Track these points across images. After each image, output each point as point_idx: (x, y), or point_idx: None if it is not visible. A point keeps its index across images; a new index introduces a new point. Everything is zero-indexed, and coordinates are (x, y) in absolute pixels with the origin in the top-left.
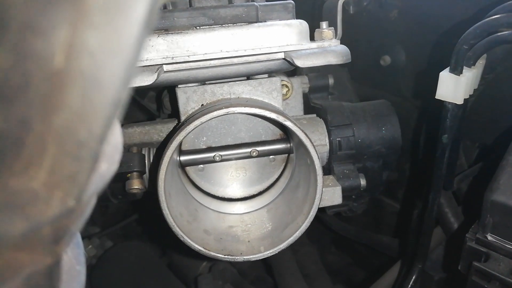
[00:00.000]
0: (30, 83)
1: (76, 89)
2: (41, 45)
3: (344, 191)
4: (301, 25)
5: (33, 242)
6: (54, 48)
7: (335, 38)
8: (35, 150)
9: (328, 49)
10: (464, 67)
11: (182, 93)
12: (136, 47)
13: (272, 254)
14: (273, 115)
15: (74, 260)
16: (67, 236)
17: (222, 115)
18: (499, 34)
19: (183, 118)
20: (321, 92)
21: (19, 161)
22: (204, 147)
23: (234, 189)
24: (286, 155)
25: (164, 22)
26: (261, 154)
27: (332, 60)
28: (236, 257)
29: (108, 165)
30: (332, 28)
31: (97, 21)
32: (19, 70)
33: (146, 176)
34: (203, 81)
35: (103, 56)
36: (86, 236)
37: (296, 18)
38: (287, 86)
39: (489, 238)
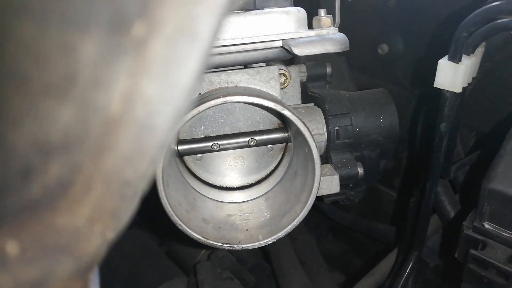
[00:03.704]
0: (88, 132)
1: (128, 134)
2: (102, 96)
3: (341, 179)
4: (299, 12)
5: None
6: (113, 97)
7: (334, 26)
8: (81, 189)
9: (326, 37)
10: (463, 55)
11: None
12: (187, 96)
13: (270, 242)
14: (271, 104)
15: None
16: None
17: (220, 104)
18: (498, 21)
19: None
20: (319, 81)
21: (65, 200)
22: (202, 136)
23: (232, 178)
24: (284, 144)
25: None
26: (259, 144)
27: (330, 48)
28: (235, 246)
29: None
30: (330, 15)
31: (155, 73)
32: (80, 122)
33: None
34: None
35: (157, 105)
36: None
37: (294, 5)
38: (285, 75)
39: (486, 226)
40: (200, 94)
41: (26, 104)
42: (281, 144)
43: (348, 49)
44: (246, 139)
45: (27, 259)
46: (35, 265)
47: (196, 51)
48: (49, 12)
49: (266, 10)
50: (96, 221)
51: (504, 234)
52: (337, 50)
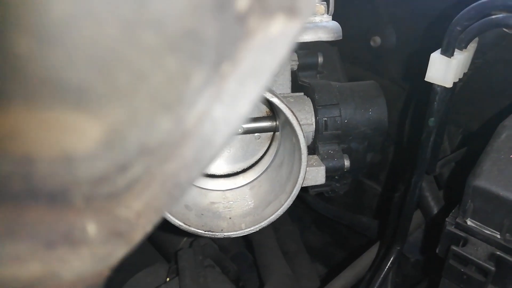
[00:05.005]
0: (169, 140)
1: (193, 146)
2: (188, 113)
3: (327, 171)
4: None
5: None
6: (193, 115)
7: (327, 13)
8: (143, 187)
9: (319, 25)
10: (456, 49)
11: None
12: (244, 120)
13: (253, 231)
14: None
15: None
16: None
17: None
18: (493, 17)
19: None
20: (309, 70)
21: (129, 194)
22: None
23: (218, 166)
24: (272, 133)
25: None
26: (247, 132)
27: (323, 36)
28: (217, 233)
29: None
30: (325, 2)
31: (226, 100)
32: (170, 132)
33: None
34: None
35: (221, 125)
36: None
37: None
38: None
39: (469, 223)
40: None
41: (148, 113)
42: (268, 133)
43: (341, 38)
44: None
45: (100, 240)
46: (104, 246)
47: (258, 88)
48: (186, 49)
49: None
50: (142, 215)
51: (486, 231)
52: (330, 39)
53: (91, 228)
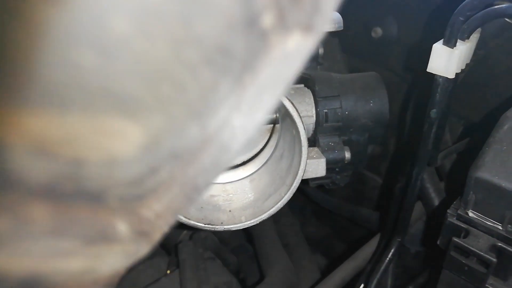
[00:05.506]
0: (193, 146)
1: (212, 151)
2: (209, 122)
3: (328, 163)
4: None
5: None
6: (214, 123)
7: None
8: (164, 189)
9: None
10: (458, 40)
11: None
12: (259, 127)
13: (253, 224)
14: None
15: None
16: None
17: None
18: (496, 7)
19: None
20: (310, 61)
21: (152, 196)
22: None
23: None
24: (272, 125)
25: None
26: None
27: None
28: (217, 226)
29: None
30: None
31: (245, 109)
32: (195, 138)
33: None
34: None
35: (238, 132)
36: None
37: None
38: None
39: (470, 214)
40: None
41: (183, 121)
42: (268, 125)
43: (342, 28)
44: None
45: (129, 238)
46: (133, 244)
47: (274, 98)
48: (218, 63)
49: None
50: (161, 216)
51: (487, 223)
52: (331, 29)
53: (122, 227)
